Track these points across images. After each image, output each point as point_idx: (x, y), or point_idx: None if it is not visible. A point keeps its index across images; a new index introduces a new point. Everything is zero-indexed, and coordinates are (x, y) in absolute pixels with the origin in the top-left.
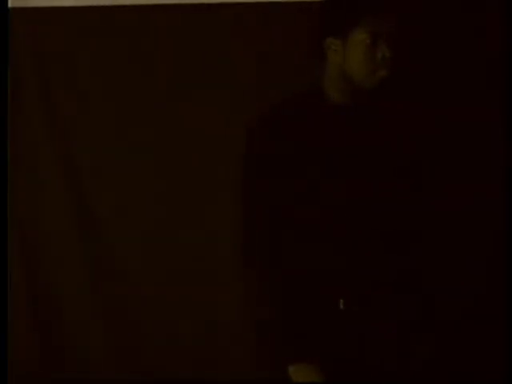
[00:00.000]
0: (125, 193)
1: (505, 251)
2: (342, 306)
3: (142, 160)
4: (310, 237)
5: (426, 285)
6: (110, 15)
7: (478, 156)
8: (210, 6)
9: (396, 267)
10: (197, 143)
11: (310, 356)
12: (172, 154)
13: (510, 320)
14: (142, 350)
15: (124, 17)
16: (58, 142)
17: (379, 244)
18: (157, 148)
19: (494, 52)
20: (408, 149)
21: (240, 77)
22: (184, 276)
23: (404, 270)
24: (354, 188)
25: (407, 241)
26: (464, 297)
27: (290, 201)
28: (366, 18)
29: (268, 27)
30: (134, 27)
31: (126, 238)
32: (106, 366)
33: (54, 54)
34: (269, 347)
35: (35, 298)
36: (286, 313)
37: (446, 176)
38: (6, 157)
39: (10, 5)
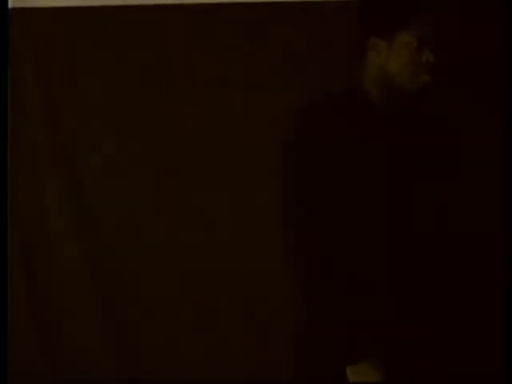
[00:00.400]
0: (125, 193)
1: (505, 252)
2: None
3: (142, 160)
4: (348, 235)
5: (430, 284)
6: (111, 15)
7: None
8: (211, 5)
9: (421, 266)
10: (197, 142)
11: (366, 355)
12: (172, 154)
13: (510, 320)
14: (142, 350)
15: (124, 17)
16: (58, 142)
17: (412, 243)
18: (157, 147)
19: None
20: (442, 153)
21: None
22: (184, 276)
23: (424, 269)
24: (386, 187)
25: (429, 241)
26: (464, 297)
27: (330, 198)
28: (415, 21)
29: (300, 27)
30: (135, 27)
31: (126, 238)
32: (105, 366)
33: (54, 53)
34: (318, 348)
35: (35, 298)
36: (340, 313)
37: (460, 177)
38: (5, 157)
39: (10, 5)
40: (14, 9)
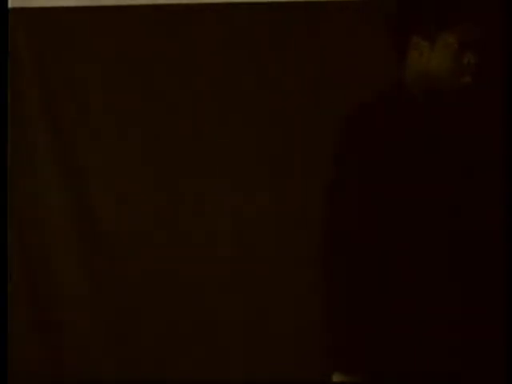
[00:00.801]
0: (126, 193)
1: (505, 252)
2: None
3: (142, 160)
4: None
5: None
6: (110, 15)
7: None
8: (209, 5)
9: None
10: (195, 141)
11: (355, 367)
12: (172, 154)
13: (510, 320)
14: (142, 350)
15: (124, 17)
16: (58, 142)
17: (436, 243)
18: (157, 146)
19: None
20: (466, 153)
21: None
22: (184, 276)
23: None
24: (424, 185)
25: (442, 241)
26: (464, 297)
27: (375, 194)
28: (457, 22)
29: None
30: (134, 27)
31: (127, 238)
32: (105, 366)
33: (54, 54)
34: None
35: (35, 297)
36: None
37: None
38: (5, 157)
39: (10, 5)
40: (13, 9)
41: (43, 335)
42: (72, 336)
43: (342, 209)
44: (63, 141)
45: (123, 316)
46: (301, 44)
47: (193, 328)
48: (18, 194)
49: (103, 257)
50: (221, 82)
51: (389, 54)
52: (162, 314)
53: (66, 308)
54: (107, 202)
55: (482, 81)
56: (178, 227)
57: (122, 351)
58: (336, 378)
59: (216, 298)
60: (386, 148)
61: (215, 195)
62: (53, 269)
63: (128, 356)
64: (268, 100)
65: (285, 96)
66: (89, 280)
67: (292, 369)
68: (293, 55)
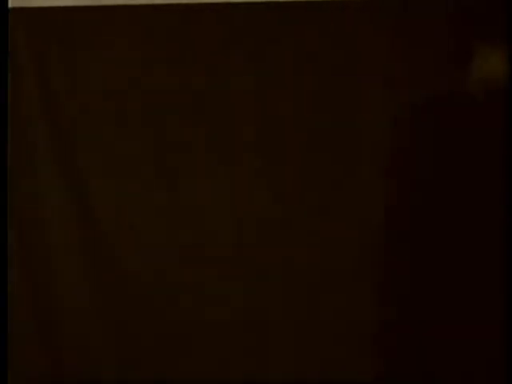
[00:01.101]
0: (125, 192)
1: (505, 252)
2: None
3: (142, 159)
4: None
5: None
6: (110, 15)
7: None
8: (201, 5)
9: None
10: (195, 140)
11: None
12: (172, 153)
13: (510, 320)
14: (142, 350)
15: (124, 17)
16: (58, 142)
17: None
18: (157, 146)
19: None
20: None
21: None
22: (184, 276)
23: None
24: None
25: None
26: (464, 297)
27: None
28: None
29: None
30: (134, 27)
31: (127, 238)
32: (105, 366)
33: (54, 53)
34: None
35: (35, 297)
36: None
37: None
38: (5, 157)
39: (10, 5)
40: (13, 9)
41: (43, 335)
42: (72, 336)
43: (398, 213)
44: (63, 141)
45: (123, 316)
46: (300, 44)
47: (193, 328)
48: (18, 193)
49: (103, 257)
50: (220, 82)
51: (390, 53)
52: (162, 314)
53: (66, 308)
54: (107, 202)
55: None
56: (178, 227)
57: (122, 351)
58: None
59: (216, 298)
60: (447, 146)
61: (215, 195)
62: (53, 269)
63: (128, 356)
64: (267, 100)
65: (284, 96)
66: (89, 280)
67: (291, 369)
68: (292, 55)
